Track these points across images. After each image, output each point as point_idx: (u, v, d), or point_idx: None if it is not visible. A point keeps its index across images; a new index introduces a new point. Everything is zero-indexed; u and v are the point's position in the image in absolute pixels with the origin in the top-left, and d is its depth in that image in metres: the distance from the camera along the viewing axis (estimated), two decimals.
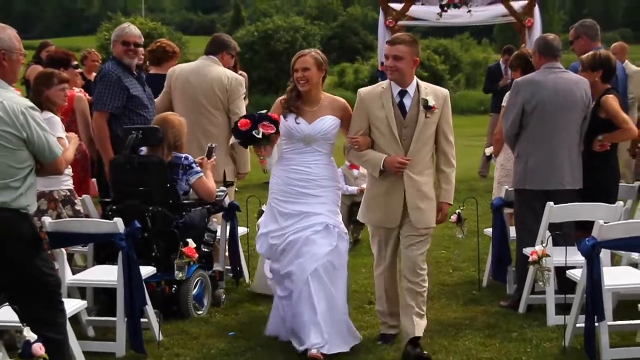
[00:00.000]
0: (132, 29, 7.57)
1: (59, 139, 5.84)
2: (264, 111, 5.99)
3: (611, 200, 6.73)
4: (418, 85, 5.91)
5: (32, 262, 4.71)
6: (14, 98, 4.66)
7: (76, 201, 6.84)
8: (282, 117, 6.00)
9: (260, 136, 5.82)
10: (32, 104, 4.75)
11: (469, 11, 12.90)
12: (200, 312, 6.86)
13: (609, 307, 6.20)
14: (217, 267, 7.34)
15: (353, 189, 9.41)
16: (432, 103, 5.81)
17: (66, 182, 6.78)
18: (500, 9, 13.00)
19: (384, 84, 6.02)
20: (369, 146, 5.93)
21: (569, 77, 7.00)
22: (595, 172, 6.98)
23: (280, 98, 6.25)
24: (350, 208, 8.99)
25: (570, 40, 8.36)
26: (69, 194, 6.81)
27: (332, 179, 6.19)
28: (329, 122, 6.04)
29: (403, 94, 5.88)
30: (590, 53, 7.22)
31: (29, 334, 4.26)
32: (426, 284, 6.01)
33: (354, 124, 6.00)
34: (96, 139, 7.35)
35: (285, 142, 6.10)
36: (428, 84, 6.06)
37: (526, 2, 12.77)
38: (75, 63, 8.30)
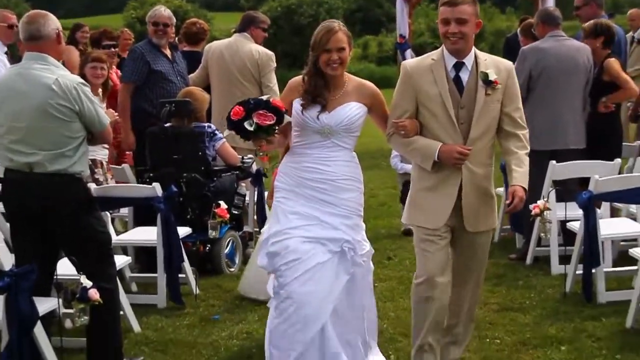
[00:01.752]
0: (161, 11, 8.22)
1: None
2: (265, 96, 4.82)
3: (615, 158, 7.20)
4: (476, 56, 4.73)
5: (87, 220, 5.25)
6: (67, 75, 5.15)
7: (96, 170, 7.29)
8: (298, 106, 4.85)
9: (252, 128, 4.65)
10: (82, 80, 5.27)
11: None
12: (232, 269, 7.47)
13: (608, 255, 6.77)
14: (247, 228, 7.95)
15: (408, 166, 8.13)
16: (492, 77, 4.64)
17: (99, 152, 7.34)
18: None
19: (434, 54, 4.82)
20: (417, 131, 4.76)
21: (571, 44, 7.50)
22: (600, 132, 7.49)
23: (294, 80, 5.01)
24: (405, 186, 8.07)
25: (577, 5, 8.80)
26: (101, 163, 7.39)
27: (355, 179, 4.97)
28: (353, 110, 4.86)
29: (459, 66, 4.71)
30: (592, 21, 7.72)
31: (85, 281, 4.87)
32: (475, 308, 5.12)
33: (397, 104, 4.82)
34: (119, 109, 7.92)
35: (297, 133, 4.94)
36: (487, 54, 4.88)
37: None
38: (107, 43, 8.87)
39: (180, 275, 6.68)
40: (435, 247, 4.75)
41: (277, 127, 4.69)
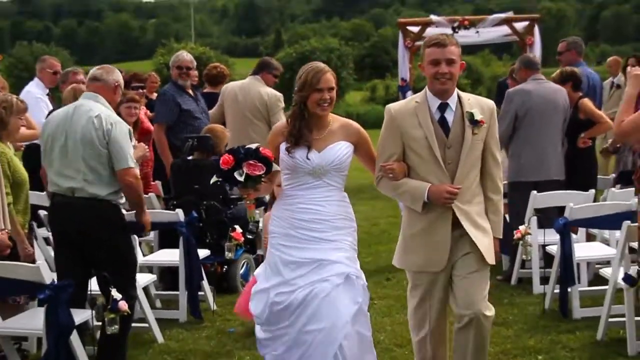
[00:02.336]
0: (184, 56, 8.55)
1: None
2: (254, 145, 4.55)
3: (590, 189, 7.43)
4: (459, 97, 4.53)
5: (121, 243, 5.56)
6: (111, 114, 5.45)
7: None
8: (284, 150, 4.60)
9: (242, 178, 4.41)
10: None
11: (477, 32, 13.44)
12: None
13: (584, 276, 7.00)
14: (259, 252, 8.16)
15: None
16: (478, 116, 4.45)
17: None
18: (504, 29, 13.54)
19: (417, 97, 4.61)
20: (405, 174, 4.53)
21: (551, 86, 7.77)
22: (577, 165, 7.75)
23: (279, 125, 4.91)
24: None
25: (559, 51, 9.07)
26: None
27: (348, 217, 4.72)
28: (342, 149, 4.62)
29: (443, 107, 4.50)
30: (558, 71, 8.02)
31: (116, 294, 5.13)
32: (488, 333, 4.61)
33: (383, 147, 4.58)
34: (158, 147, 8.23)
35: (287, 176, 4.67)
36: (469, 94, 4.70)
37: (527, 23, 13.34)
38: (136, 84, 9.18)
39: (199, 293, 6.93)
40: (433, 300, 4.57)
41: (265, 177, 4.47)
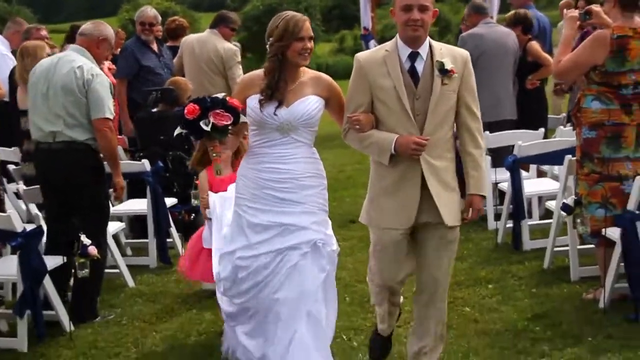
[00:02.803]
0: (147, 12, 8.71)
1: None
2: (221, 94, 4.33)
3: (540, 128, 7.77)
4: (431, 46, 4.22)
5: (99, 191, 5.87)
6: (93, 66, 5.75)
7: None
8: (254, 103, 4.33)
9: (208, 128, 4.16)
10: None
11: None
12: None
13: (536, 211, 7.38)
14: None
15: None
16: (449, 66, 4.13)
17: None
18: None
19: (387, 45, 4.32)
20: (372, 125, 4.25)
21: (501, 30, 8.10)
22: (527, 106, 8.08)
23: (249, 76, 4.55)
24: None
25: None
26: None
27: (318, 175, 4.48)
28: (312, 104, 4.37)
29: (414, 56, 4.19)
30: (511, 12, 8.35)
31: (85, 240, 5.41)
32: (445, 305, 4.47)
33: (351, 98, 4.30)
34: (117, 101, 8.39)
35: (254, 132, 4.44)
36: (442, 43, 4.37)
37: None
38: None
39: (168, 240, 7.24)
40: (395, 257, 4.35)
41: (231, 128, 4.24)
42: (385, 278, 4.47)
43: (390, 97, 4.17)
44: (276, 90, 4.30)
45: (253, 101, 4.33)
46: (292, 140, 4.37)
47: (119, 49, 9.84)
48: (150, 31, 8.61)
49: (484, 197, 4.32)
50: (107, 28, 5.96)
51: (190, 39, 8.93)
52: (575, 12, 5.58)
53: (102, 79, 5.73)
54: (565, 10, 6.13)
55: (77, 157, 5.72)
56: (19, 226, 5.31)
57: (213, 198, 5.01)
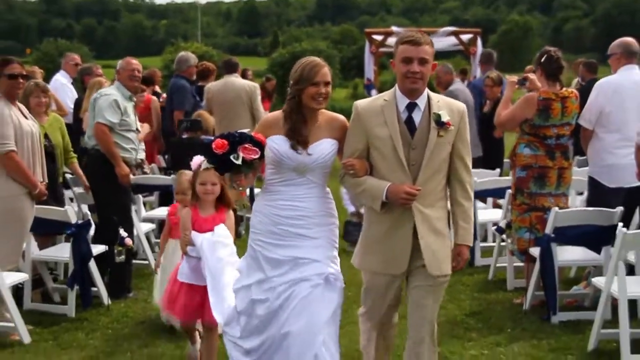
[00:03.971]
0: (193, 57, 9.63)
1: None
2: (247, 130, 4.14)
3: (499, 168, 8.52)
4: (429, 97, 3.99)
5: (101, 190, 6.73)
6: (105, 91, 6.69)
7: (144, 166, 8.49)
8: (272, 142, 4.11)
9: (239, 162, 3.96)
10: (105, 96, 6.58)
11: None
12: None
13: (490, 235, 8.07)
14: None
15: (352, 208, 8.20)
16: (445, 118, 3.90)
17: (140, 153, 8.63)
18: (452, 39, 14.69)
19: (386, 95, 4.09)
20: (367, 171, 4.02)
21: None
22: (489, 150, 8.95)
23: (271, 117, 4.31)
24: (346, 225, 7.93)
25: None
26: (140, 161, 8.66)
27: (330, 214, 4.25)
28: (327, 147, 4.14)
29: (412, 107, 3.96)
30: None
31: (123, 233, 6.23)
32: (436, 348, 4.16)
33: (348, 143, 4.08)
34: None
35: (272, 170, 4.22)
36: (440, 95, 4.22)
37: (471, 35, 14.46)
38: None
39: None
40: (385, 302, 4.11)
41: (258, 162, 4.05)
42: (376, 318, 4.19)
43: (385, 146, 3.93)
44: (296, 133, 4.08)
45: (273, 141, 4.11)
46: (307, 181, 4.15)
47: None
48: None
49: (470, 247, 4.07)
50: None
51: (214, 85, 9.42)
52: (514, 78, 6.38)
53: (107, 98, 6.58)
54: (507, 76, 6.95)
55: (87, 162, 6.93)
56: (73, 219, 6.14)
57: (200, 238, 4.66)
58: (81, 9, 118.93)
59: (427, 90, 4.00)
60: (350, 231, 7.87)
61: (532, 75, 6.25)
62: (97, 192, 6.75)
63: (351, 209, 8.21)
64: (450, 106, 3.99)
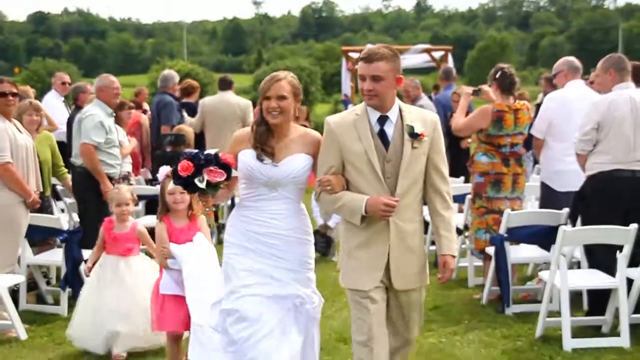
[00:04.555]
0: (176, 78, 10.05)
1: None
2: (214, 150, 4.02)
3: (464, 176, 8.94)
4: (400, 110, 3.90)
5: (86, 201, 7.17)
6: (89, 111, 7.13)
7: (130, 177, 8.59)
8: (243, 157, 4.05)
9: (203, 185, 3.88)
10: (90, 116, 7.04)
11: (404, 58, 15.17)
12: None
13: None
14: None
15: (320, 221, 8.34)
16: (419, 130, 3.82)
17: (127, 166, 9.00)
18: (425, 56, 15.22)
19: (357, 109, 3.99)
20: (343, 187, 3.90)
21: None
22: (457, 159, 9.35)
23: (241, 132, 4.24)
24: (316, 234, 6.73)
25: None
26: (127, 173, 9.02)
27: (304, 231, 4.17)
28: (300, 162, 4.06)
29: (383, 120, 3.88)
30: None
31: None
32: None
33: (322, 160, 3.96)
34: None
35: (244, 185, 4.13)
36: (412, 106, 4.10)
37: (443, 52, 15.01)
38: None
39: None
40: (368, 314, 3.85)
41: (224, 184, 3.97)
42: (363, 335, 3.88)
43: (361, 161, 3.82)
44: (263, 144, 4.03)
45: (243, 155, 4.06)
46: (280, 197, 4.07)
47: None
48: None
49: (454, 257, 3.96)
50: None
51: (209, 100, 9.95)
52: (470, 89, 6.88)
53: (93, 118, 7.02)
54: (463, 87, 7.46)
55: (73, 178, 7.36)
56: (65, 226, 6.53)
57: (180, 250, 4.71)
58: (68, 28, 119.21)
59: (397, 101, 3.92)
60: (317, 242, 8.07)
61: (485, 87, 6.74)
62: (82, 203, 7.19)
63: (320, 221, 8.35)
64: (423, 117, 3.92)
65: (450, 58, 14.47)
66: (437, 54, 14.84)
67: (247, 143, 4.10)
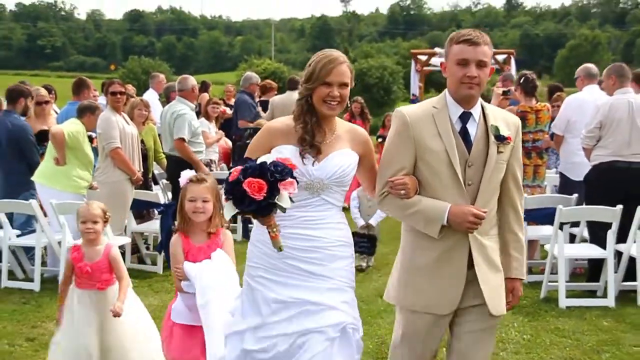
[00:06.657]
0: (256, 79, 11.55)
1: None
2: (268, 160, 3.17)
3: None
4: (483, 108, 3.37)
5: None
6: (177, 107, 8.45)
7: (212, 166, 9.81)
8: (283, 152, 3.38)
9: (289, 204, 3.12)
10: (182, 115, 8.39)
11: None
12: None
13: None
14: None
15: (361, 222, 8.04)
16: (505, 132, 3.32)
17: (211, 154, 10.49)
18: None
19: (434, 101, 3.39)
20: (417, 191, 3.32)
21: None
22: None
23: (274, 124, 3.58)
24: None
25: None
26: (209, 161, 9.88)
27: (347, 244, 3.56)
28: (348, 159, 3.47)
29: (466, 117, 3.33)
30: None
31: None
32: None
33: (391, 159, 3.35)
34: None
35: None
36: (492, 105, 3.55)
37: (505, 55, 15.89)
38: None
39: None
40: (425, 345, 3.43)
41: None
42: None
43: (439, 162, 3.26)
44: (309, 135, 3.41)
45: (279, 152, 3.39)
46: (321, 202, 3.44)
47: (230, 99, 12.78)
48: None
49: (523, 281, 3.50)
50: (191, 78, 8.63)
51: (279, 98, 11.21)
52: (500, 90, 8.14)
53: (179, 115, 8.17)
54: (494, 88, 8.74)
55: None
56: (161, 200, 8.15)
57: (195, 269, 3.96)
58: (162, 26, 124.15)
59: (480, 99, 3.39)
60: (356, 242, 6.89)
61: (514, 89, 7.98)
62: (174, 185, 8.68)
63: (360, 222, 8.05)
64: (506, 118, 3.42)
65: (512, 61, 15.34)
66: (501, 57, 15.72)
67: (285, 137, 3.46)
